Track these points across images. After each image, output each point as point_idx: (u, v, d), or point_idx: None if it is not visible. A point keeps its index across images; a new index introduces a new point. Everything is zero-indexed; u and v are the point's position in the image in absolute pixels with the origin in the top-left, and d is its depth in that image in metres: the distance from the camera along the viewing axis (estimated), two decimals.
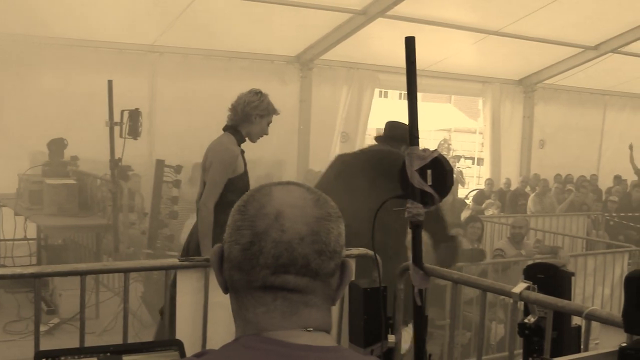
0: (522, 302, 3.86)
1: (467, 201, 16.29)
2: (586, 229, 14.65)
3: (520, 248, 10.64)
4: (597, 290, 10.01)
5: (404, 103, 3.63)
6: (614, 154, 19.32)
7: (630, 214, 15.28)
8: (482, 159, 18.81)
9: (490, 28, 14.49)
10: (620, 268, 10.27)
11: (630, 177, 18.14)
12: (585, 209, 15.44)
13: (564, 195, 16.26)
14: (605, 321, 3.58)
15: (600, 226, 14.78)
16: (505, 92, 17.79)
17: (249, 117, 6.06)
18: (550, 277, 3.82)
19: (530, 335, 3.72)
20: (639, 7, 14.33)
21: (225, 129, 6.13)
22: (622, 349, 2.70)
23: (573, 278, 4.04)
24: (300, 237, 1.58)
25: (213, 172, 5.98)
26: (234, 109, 6.09)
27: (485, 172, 18.24)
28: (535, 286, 3.81)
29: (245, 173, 6.10)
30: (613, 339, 3.06)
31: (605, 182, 18.51)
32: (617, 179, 18.28)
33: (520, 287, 3.83)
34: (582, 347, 3.76)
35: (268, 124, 6.20)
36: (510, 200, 16.05)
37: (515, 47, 15.52)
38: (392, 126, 6.34)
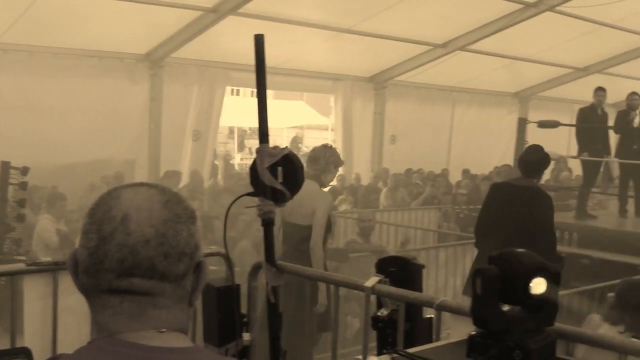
0: (376, 296, 3.89)
1: None
2: (437, 222, 14.97)
3: (368, 241, 10.79)
4: (449, 281, 10.26)
5: (256, 101, 3.60)
6: (462, 149, 19.85)
7: (480, 206, 15.69)
8: None
9: (341, 26, 14.65)
10: (470, 259, 10.55)
11: (479, 170, 18.68)
12: (436, 203, 15.80)
13: (417, 190, 16.58)
14: (456, 311, 3.65)
15: (451, 219, 15.15)
16: (357, 89, 18.01)
17: (329, 167, 7.20)
18: (401, 270, 3.87)
19: (383, 328, 3.76)
20: (485, 6, 14.81)
21: (311, 177, 6.80)
22: (471, 337, 2.76)
23: (425, 270, 4.11)
24: (146, 240, 1.55)
25: (319, 217, 6.90)
26: (315, 160, 7.13)
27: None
28: (387, 279, 3.84)
29: None
30: (464, 328, 3.11)
31: (454, 176, 18.99)
32: (466, 172, 18.78)
33: (372, 280, 3.86)
34: (434, 337, 3.83)
35: None
36: (362, 195, 16.25)
37: (365, 45, 15.75)
38: (531, 151, 7.52)
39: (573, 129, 13.09)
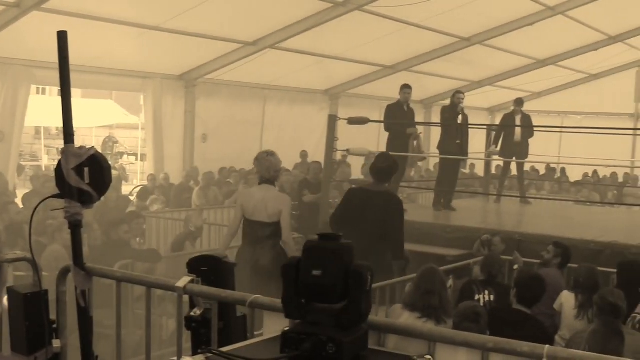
0: (189, 296, 3.83)
1: (132, 198, 16.10)
2: None
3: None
4: None
5: None
6: (274, 146, 19.86)
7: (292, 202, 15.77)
8: (146, 155, 18.63)
9: (149, 23, 14.42)
10: None
11: (291, 167, 18.83)
12: None
13: (229, 188, 16.54)
14: (269, 308, 3.63)
15: None
16: (167, 87, 17.75)
17: (278, 174, 8.43)
18: (213, 269, 3.83)
19: (197, 328, 3.72)
20: (295, 5, 14.98)
21: (266, 182, 8.06)
22: (284, 333, 2.74)
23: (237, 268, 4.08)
24: None
25: (286, 216, 7.92)
26: (267, 171, 8.02)
27: (149, 167, 18.09)
28: (200, 279, 3.79)
29: None
30: (278, 324, 3.10)
31: None
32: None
33: (184, 280, 3.80)
34: (248, 334, 3.80)
35: None
36: (175, 195, 16.07)
37: (175, 43, 15.57)
38: (381, 159, 8.38)
39: (382, 125, 13.39)
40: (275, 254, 7.86)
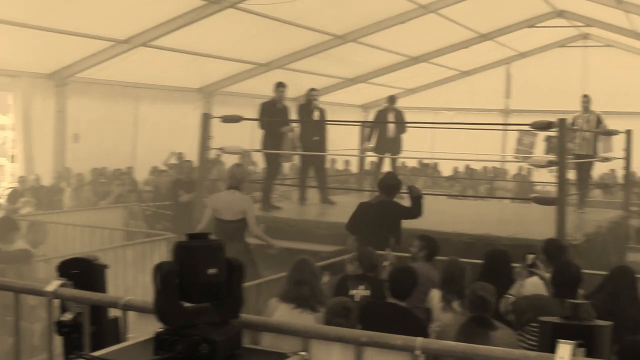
0: (60, 300, 3.75)
1: (1, 200, 15.62)
2: (124, 220, 14.75)
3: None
4: (138, 279, 10.17)
5: None
6: (148, 146, 19.68)
7: (165, 202, 15.59)
8: (16, 156, 18.08)
9: (17, 20, 13.99)
10: (159, 256, 10.54)
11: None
12: (122, 201, 15.57)
13: (103, 188, 16.26)
14: (142, 310, 3.60)
15: (138, 216, 14.98)
16: (36, 86, 17.26)
17: (244, 181, 9.70)
18: (84, 272, 3.76)
19: (68, 333, 3.64)
20: (168, 2, 14.82)
21: (233, 187, 9.45)
22: (158, 335, 2.73)
23: (113, 270, 4.01)
24: None
25: (251, 214, 9.40)
26: (234, 178, 9.48)
27: (19, 169, 17.57)
28: (71, 282, 3.72)
29: None
30: (151, 326, 3.07)
31: (142, 174, 18.80)
32: (155, 170, 18.70)
33: (54, 284, 3.72)
34: (121, 337, 3.75)
35: None
36: (45, 196, 15.68)
37: (44, 40, 15.18)
38: (389, 177, 10.37)
39: (256, 123, 13.41)
40: (242, 246, 9.20)
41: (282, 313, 6.00)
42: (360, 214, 9.94)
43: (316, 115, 13.54)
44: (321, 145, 13.63)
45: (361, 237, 9.53)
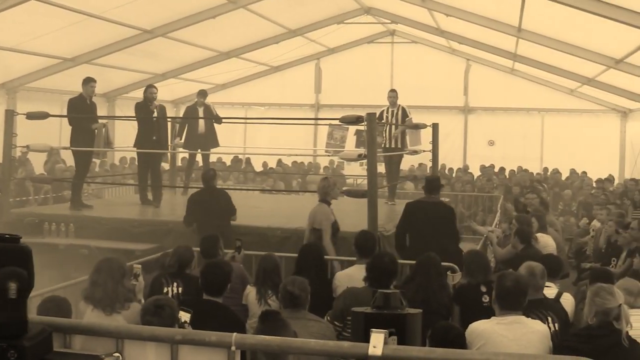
0: None
1: None
2: None
3: None
4: None
5: None
6: None
7: None
8: None
9: None
10: None
11: None
12: None
13: None
14: None
15: None
16: None
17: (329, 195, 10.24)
18: None
19: None
20: None
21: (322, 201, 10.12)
22: None
23: None
24: None
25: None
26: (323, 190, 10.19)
27: None
28: None
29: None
30: None
31: None
32: None
33: None
34: None
35: None
36: None
37: None
38: (432, 176, 11.69)
39: (65, 120, 13.02)
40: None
41: (91, 315, 5.80)
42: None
43: (156, 113, 13.32)
44: (160, 144, 13.46)
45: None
